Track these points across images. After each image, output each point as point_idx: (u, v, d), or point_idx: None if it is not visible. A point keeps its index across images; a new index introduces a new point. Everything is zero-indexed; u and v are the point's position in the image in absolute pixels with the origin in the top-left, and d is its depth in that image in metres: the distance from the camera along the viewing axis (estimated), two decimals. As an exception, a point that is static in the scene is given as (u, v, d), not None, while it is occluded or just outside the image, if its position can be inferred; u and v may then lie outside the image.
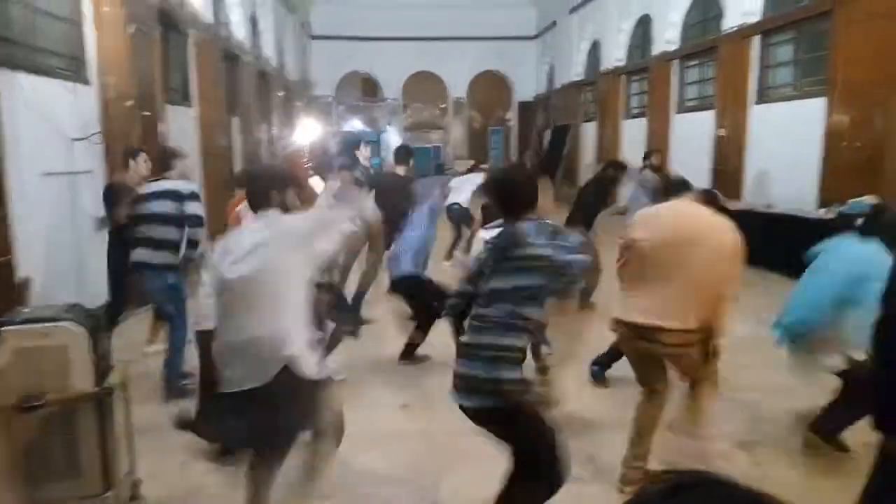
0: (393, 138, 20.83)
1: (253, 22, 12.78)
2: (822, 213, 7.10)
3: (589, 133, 15.94)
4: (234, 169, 10.56)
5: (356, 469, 3.27)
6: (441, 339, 4.99)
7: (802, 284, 3.34)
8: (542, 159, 18.15)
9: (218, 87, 9.44)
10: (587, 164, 15.55)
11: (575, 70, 16.71)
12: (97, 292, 5.41)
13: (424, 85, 20.93)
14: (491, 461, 3.28)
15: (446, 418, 3.73)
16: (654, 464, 3.15)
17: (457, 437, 3.55)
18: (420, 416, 3.86)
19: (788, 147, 8.16)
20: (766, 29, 8.99)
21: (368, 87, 21.23)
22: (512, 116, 21.80)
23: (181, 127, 8.13)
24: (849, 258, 3.11)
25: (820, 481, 3.12)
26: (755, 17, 9.17)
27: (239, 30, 11.50)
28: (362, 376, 4.46)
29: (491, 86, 21.34)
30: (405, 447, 3.50)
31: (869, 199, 6.50)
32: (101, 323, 2.71)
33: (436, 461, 3.34)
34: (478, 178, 8.22)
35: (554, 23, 18.19)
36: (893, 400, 1.14)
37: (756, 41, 9.18)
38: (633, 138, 13.22)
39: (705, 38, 10.69)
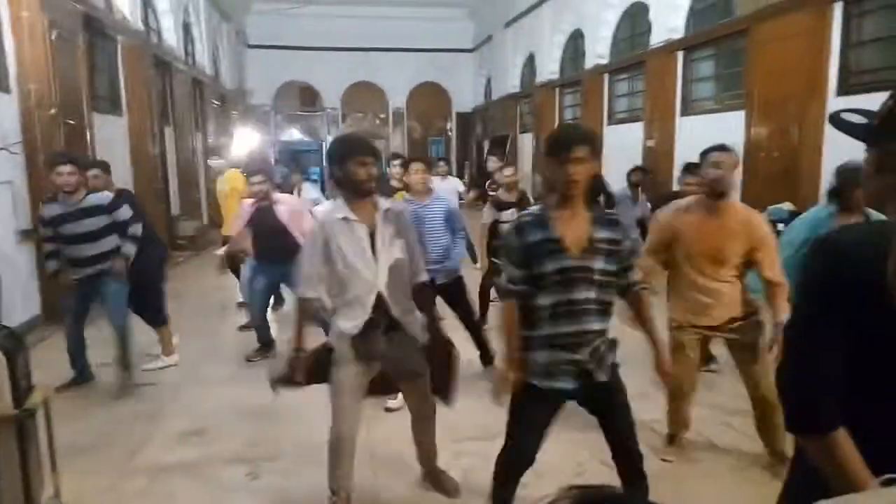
0: (333, 148, 20.68)
1: (186, 29, 12.47)
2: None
3: (526, 144, 16.27)
4: (166, 179, 10.26)
5: (296, 486, 3.22)
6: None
7: None
8: (482, 169, 18.40)
9: (149, 95, 9.16)
10: (525, 174, 15.85)
11: (511, 82, 17.04)
12: (16, 308, 5.15)
13: (364, 95, 20.89)
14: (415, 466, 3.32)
15: (386, 429, 3.76)
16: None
17: (398, 445, 3.56)
18: (362, 429, 3.83)
19: (713, 157, 8.56)
20: (689, 45, 9.43)
21: (307, 97, 21.01)
22: (451, 127, 22.01)
23: (110, 136, 7.84)
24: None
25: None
26: (679, 34, 9.62)
27: (171, 37, 11.20)
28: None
29: (430, 96, 21.50)
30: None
31: (787, 206, 6.92)
32: (20, 341, 2.59)
33: (377, 473, 3.33)
34: (456, 184, 8.24)
35: (490, 36, 18.52)
36: (800, 400, 1.20)
37: (680, 56, 9.62)
38: (568, 149, 13.55)
39: (634, 53, 11.12)
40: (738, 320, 3.14)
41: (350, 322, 2.67)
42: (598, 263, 2.24)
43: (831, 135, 6.62)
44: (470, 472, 3.28)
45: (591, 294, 2.24)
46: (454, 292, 4.47)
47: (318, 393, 4.15)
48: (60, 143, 6.14)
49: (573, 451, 3.50)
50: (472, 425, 3.75)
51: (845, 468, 1.10)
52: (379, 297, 2.66)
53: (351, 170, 2.59)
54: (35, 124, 5.89)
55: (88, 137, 6.88)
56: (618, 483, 3.09)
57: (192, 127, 12.01)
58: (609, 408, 2.43)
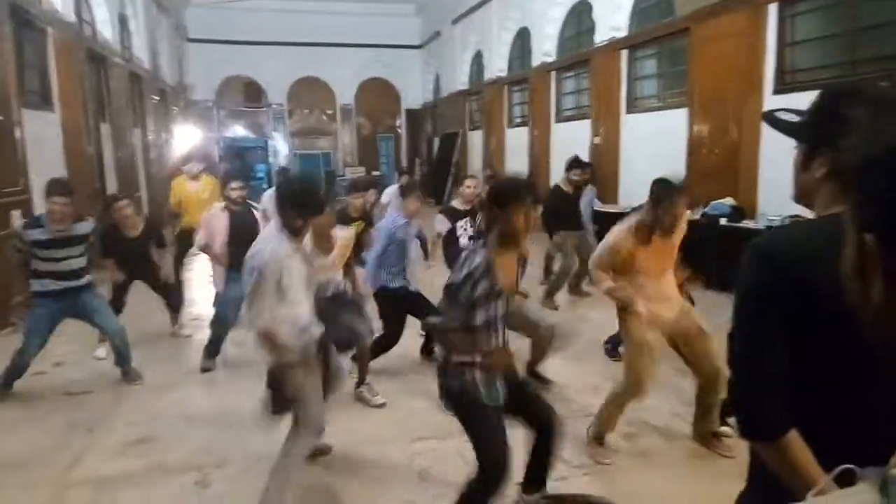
0: (280, 144, 20.31)
1: (122, 22, 11.99)
2: (690, 215, 7.71)
3: (476, 141, 16.35)
4: (103, 178, 9.86)
5: (247, 492, 3.14)
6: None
7: None
8: (433, 166, 18.40)
9: (83, 90, 8.75)
10: (475, 171, 15.93)
11: (460, 79, 17.09)
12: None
13: (311, 90, 20.55)
14: (383, 473, 3.29)
15: (338, 431, 3.70)
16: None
17: (351, 447, 3.52)
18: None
19: (657, 154, 8.80)
20: (633, 44, 9.65)
21: (251, 93, 20.53)
22: (401, 124, 21.91)
23: (41, 133, 7.46)
24: None
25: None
26: (622, 33, 9.83)
27: (106, 29, 10.75)
28: (246, 390, 4.30)
29: (379, 93, 21.33)
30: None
31: (728, 201, 7.17)
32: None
33: (330, 476, 3.28)
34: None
35: (438, 33, 18.51)
36: (750, 407, 1.22)
37: (624, 55, 9.83)
38: (516, 146, 13.71)
39: (579, 51, 11.30)
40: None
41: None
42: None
43: (768, 132, 6.89)
44: (427, 471, 3.27)
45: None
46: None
47: (254, 399, 4.07)
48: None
49: (526, 445, 3.52)
50: (424, 426, 3.74)
51: (798, 469, 1.12)
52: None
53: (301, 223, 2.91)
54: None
55: (17, 134, 6.53)
56: (575, 480, 3.15)
57: (130, 123, 11.56)
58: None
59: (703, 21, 7.71)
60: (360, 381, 4.21)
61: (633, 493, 3.08)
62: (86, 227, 4.36)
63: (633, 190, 9.59)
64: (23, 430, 3.80)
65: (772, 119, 1.28)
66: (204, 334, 5.69)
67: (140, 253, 5.15)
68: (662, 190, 3.23)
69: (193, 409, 4.15)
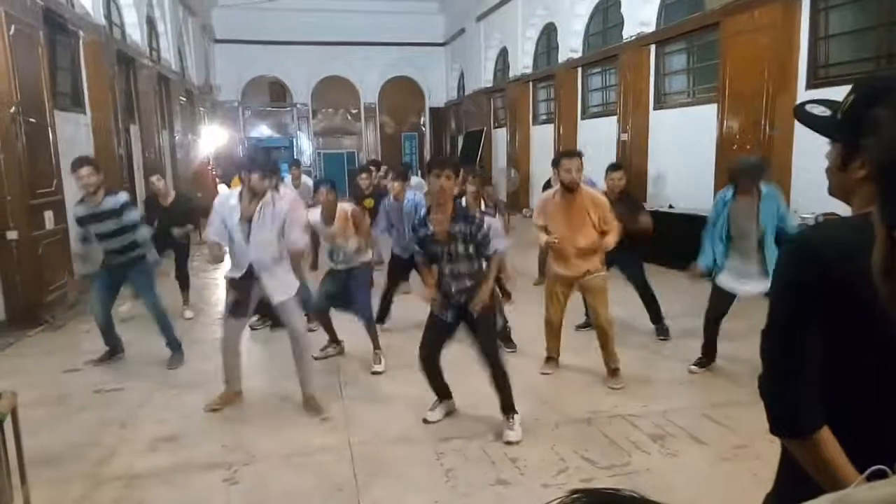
0: (304, 144, 20.47)
1: (150, 24, 12.17)
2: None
3: (500, 139, 16.28)
4: (132, 178, 10.03)
5: (275, 490, 3.16)
6: (359, 349, 4.95)
7: None
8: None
9: (113, 91, 8.90)
10: (499, 169, 15.88)
11: (484, 77, 17.02)
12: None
13: (335, 90, 20.66)
14: (410, 472, 3.28)
15: (366, 430, 3.71)
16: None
17: (378, 446, 3.52)
18: (341, 429, 3.79)
19: (685, 150, 8.66)
20: (661, 39, 9.51)
21: (276, 92, 20.70)
22: (425, 122, 21.91)
23: (73, 134, 7.61)
24: None
25: (724, 466, 3.31)
26: (651, 28, 9.69)
27: (135, 32, 10.92)
28: (280, 391, 4.33)
29: (403, 91, 21.36)
30: (326, 462, 3.41)
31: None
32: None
33: (357, 474, 3.28)
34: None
35: (462, 30, 18.46)
36: (782, 404, 1.20)
37: (653, 50, 9.69)
38: (542, 143, 13.62)
39: (606, 47, 11.17)
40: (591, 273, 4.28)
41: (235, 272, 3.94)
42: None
43: (802, 128, 6.73)
44: (453, 471, 3.25)
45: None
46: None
47: (288, 399, 4.10)
48: (22, 143, 5.93)
49: (553, 446, 3.49)
50: (451, 426, 3.73)
51: (830, 467, 1.10)
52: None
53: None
54: (-6, 123, 5.68)
55: (51, 136, 6.66)
56: (601, 482, 3.10)
57: (158, 124, 11.73)
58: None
59: (734, 15, 7.56)
60: (376, 346, 4.85)
61: (662, 495, 3.02)
62: (120, 198, 4.72)
63: (659, 186, 9.46)
64: (56, 426, 3.87)
65: (802, 114, 1.25)
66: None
67: (174, 217, 6.29)
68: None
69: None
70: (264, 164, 3.84)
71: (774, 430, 1.19)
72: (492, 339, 3.67)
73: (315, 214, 4.74)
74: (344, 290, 4.82)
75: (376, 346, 4.85)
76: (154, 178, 6.60)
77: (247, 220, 3.78)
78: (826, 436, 1.12)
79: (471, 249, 3.55)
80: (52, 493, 3.05)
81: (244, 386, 4.27)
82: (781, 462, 1.31)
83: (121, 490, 3.15)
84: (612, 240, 4.19)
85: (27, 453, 2.70)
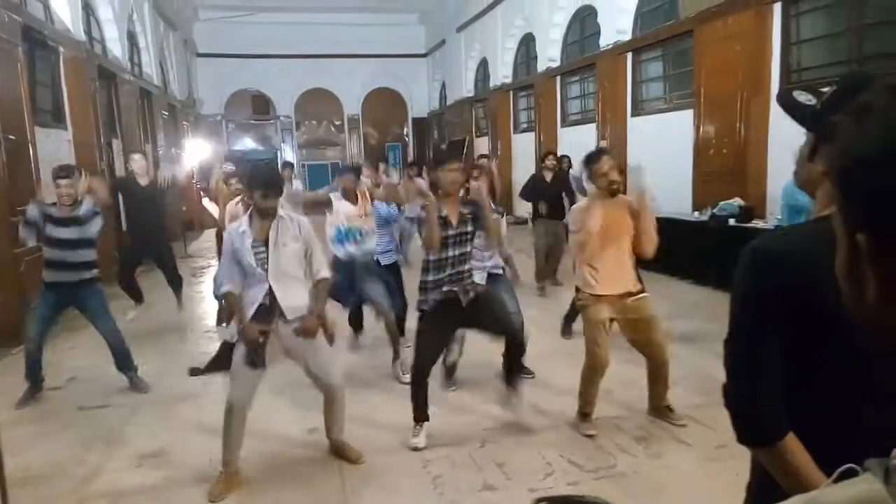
0: (289, 155, 20.45)
1: (131, 39, 12.14)
2: (698, 216, 7.69)
3: (482, 147, 16.36)
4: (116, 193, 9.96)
5: (263, 502, 3.16)
6: (354, 360, 4.95)
7: None
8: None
9: (94, 107, 8.87)
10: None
11: (465, 87, 17.14)
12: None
13: (318, 102, 20.70)
14: (397, 480, 3.30)
15: (353, 440, 3.71)
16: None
17: (366, 456, 3.53)
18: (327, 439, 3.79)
19: (664, 156, 8.77)
20: (637, 47, 9.65)
21: (259, 105, 20.69)
22: (408, 132, 21.99)
23: (54, 150, 7.56)
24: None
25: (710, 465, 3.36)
26: (627, 36, 9.84)
27: (115, 47, 10.89)
28: (267, 401, 4.33)
29: (386, 102, 21.44)
30: (314, 473, 3.42)
31: (737, 202, 7.14)
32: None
33: (345, 484, 3.29)
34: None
35: (443, 41, 18.59)
36: (747, 413, 1.22)
37: (629, 58, 9.83)
38: (523, 152, 13.72)
39: (584, 56, 11.31)
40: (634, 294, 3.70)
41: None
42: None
43: (776, 132, 6.87)
44: (440, 478, 3.27)
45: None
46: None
47: (274, 409, 4.10)
48: (2, 160, 5.90)
49: (539, 450, 3.53)
50: (438, 433, 3.75)
51: (798, 473, 1.11)
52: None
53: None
54: (-28, 140, 5.65)
55: (31, 152, 6.63)
56: (586, 485, 3.14)
57: (140, 139, 11.69)
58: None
59: (708, 22, 7.71)
60: (395, 356, 4.73)
61: (648, 497, 3.07)
62: (87, 205, 4.50)
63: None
64: (41, 445, 3.83)
65: (787, 100, 1.24)
66: (217, 346, 5.74)
67: (149, 199, 6.08)
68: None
69: (209, 420, 4.16)
70: (268, 181, 3.26)
71: (740, 438, 1.20)
72: (502, 305, 3.80)
73: (339, 198, 4.84)
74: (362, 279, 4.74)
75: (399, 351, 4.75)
76: (137, 156, 6.33)
77: (262, 242, 3.24)
78: (792, 442, 1.12)
79: (477, 231, 3.62)
80: (36, 512, 3.03)
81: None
82: (752, 470, 1.32)
83: (107, 507, 3.14)
84: (650, 249, 3.66)
85: (9, 473, 2.69)
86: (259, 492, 3.21)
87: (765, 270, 1.14)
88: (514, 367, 3.80)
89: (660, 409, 3.85)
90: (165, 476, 3.44)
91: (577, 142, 11.25)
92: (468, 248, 3.63)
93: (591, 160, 3.82)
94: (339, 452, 3.54)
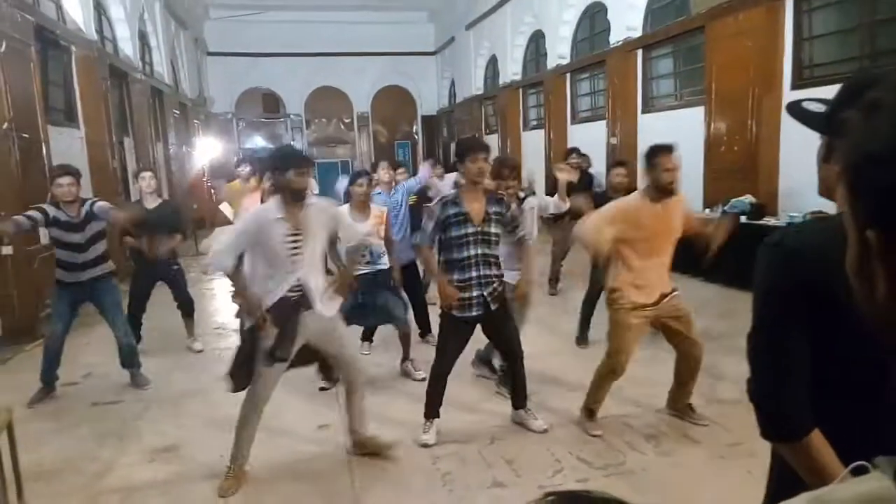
0: (297, 155, 20.51)
1: (142, 38, 12.22)
2: (708, 213, 7.64)
3: (492, 145, 16.35)
4: (128, 192, 10.04)
5: (273, 498, 3.18)
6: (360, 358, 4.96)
7: None
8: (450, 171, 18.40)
9: (106, 106, 8.94)
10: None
11: (475, 84, 17.11)
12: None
13: (328, 100, 20.73)
14: (407, 477, 3.31)
15: (372, 434, 3.72)
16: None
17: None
18: (338, 435, 3.81)
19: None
20: (648, 43, 9.60)
21: (270, 104, 20.76)
22: (417, 130, 22.00)
23: (67, 149, 7.63)
24: None
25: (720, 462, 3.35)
26: (637, 33, 9.79)
27: (127, 46, 10.97)
28: (276, 397, 4.35)
29: (395, 100, 21.45)
30: (324, 470, 3.44)
31: (748, 199, 7.08)
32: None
33: (354, 481, 3.31)
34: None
35: (452, 38, 18.56)
36: (772, 409, 1.21)
37: (639, 54, 9.78)
38: (533, 149, 13.69)
39: (594, 52, 11.26)
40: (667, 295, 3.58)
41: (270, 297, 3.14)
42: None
43: (788, 128, 6.82)
44: (450, 475, 3.28)
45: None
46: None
47: (285, 405, 4.12)
48: (16, 159, 5.96)
49: (548, 447, 3.53)
50: (446, 430, 3.76)
51: (822, 468, 1.11)
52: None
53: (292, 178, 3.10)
54: (-14, 139, 5.71)
55: (44, 151, 6.69)
56: (596, 482, 3.14)
57: (152, 137, 11.77)
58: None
59: (719, 18, 7.65)
60: (405, 357, 4.72)
61: (657, 494, 3.06)
62: (90, 204, 4.46)
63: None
64: (54, 440, 3.88)
65: (797, 110, 1.24)
66: (228, 342, 5.78)
67: (158, 222, 5.29)
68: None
69: (220, 415, 4.19)
70: (300, 157, 3.18)
71: (765, 433, 1.20)
72: (516, 329, 3.69)
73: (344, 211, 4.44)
74: (373, 294, 4.53)
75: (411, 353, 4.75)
76: (147, 174, 5.47)
77: (296, 230, 3.11)
78: (817, 439, 1.12)
79: (502, 233, 3.51)
80: (51, 507, 3.06)
81: (244, 395, 4.27)
82: (772, 466, 1.31)
83: (119, 503, 3.17)
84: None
85: (24, 468, 2.73)
86: (268, 488, 3.23)
87: (785, 265, 1.14)
88: (518, 388, 3.76)
89: (684, 407, 3.79)
90: (177, 471, 3.47)
91: (586, 139, 11.22)
92: (493, 251, 3.47)
93: (656, 153, 3.56)
94: (368, 447, 3.48)
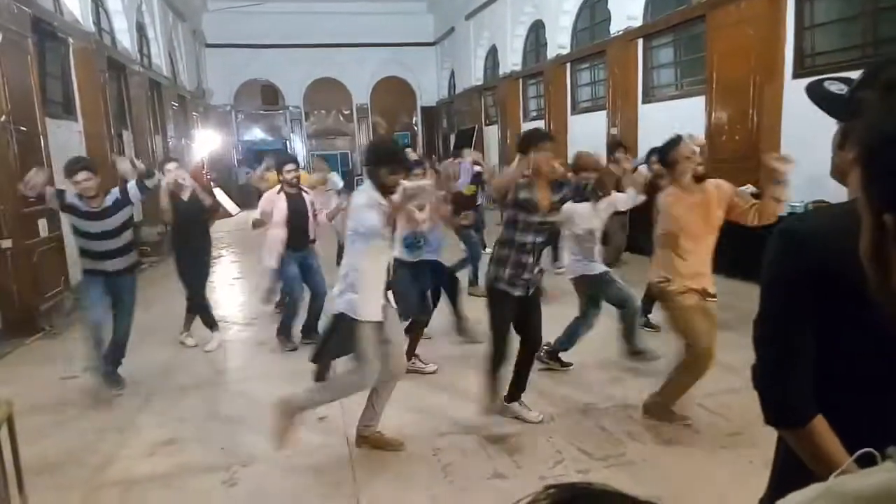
0: (298, 146, 20.46)
1: (140, 30, 12.16)
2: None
3: (492, 136, 16.30)
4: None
5: (275, 490, 3.18)
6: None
7: None
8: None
9: (104, 98, 8.91)
10: (492, 166, 15.87)
11: (475, 75, 17.03)
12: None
13: (327, 91, 20.66)
14: (408, 468, 3.31)
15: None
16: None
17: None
18: (339, 427, 3.81)
19: (675, 143, 8.68)
20: (648, 33, 9.54)
21: (268, 95, 20.69)
22: (417, 121, 21.93)
23: (65, 142, 7.61)
24: None
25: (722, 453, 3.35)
26: (638, 22, 9.72)
27: (125, 38, 10.91)
28: (277, 388, 4.35)
29: (395, 91, 21.36)
30: (324, 461, 3.44)
31: (750, 188, 7.05)
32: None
33: (356, 472, 3.31)
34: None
35: (452, 29, 18.47)
36: (777, 395, 1.20)
37: (640, 44, 9.72)
38: (534, 139, 13.62)
39: (594, 42, 11.20)
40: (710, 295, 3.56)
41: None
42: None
43: (789, 117, 6.78)
44: (451, 466, 3.28)
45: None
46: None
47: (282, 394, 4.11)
48: (14, 151, 5.94)
49: (549, 438, 3.53)
50: (448, 421, 3.75)
51: (826, 455, 1.10)
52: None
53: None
54: (-16, 132, 5.69)
55: (42, 144, 6.67)
56: (597, 473, 3.14)
57: (150, 129, 11.73)
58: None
59: (720, 7, 7.59)
60: (411, 354, 4.53)
61: (658, 485, 3.06)
62: (115, 193, 4.46)
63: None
64: (54, 434, 3.88)
65: (817, 91, 1.21)
66: (229, 335, 5.78)
67: (193, 211, 5.33)
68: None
69: (220, 408, 4.21)
70: (396, 156, 3.27)
71: (769, 420, 1.19)
72: (541, 319, 3.70)
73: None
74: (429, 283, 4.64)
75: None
76: (171, 165, 5.40)
77: (388, 226, 3.21)
78: (820, 425, 1.12)
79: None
80: (50, 501, 3.06)
81: (245, 388, 4.27)
82: (777, 455, 1.31)
83: (120, 495, 3.17)
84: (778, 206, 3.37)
85: (25, 461, 2.72)
86: (271, 480, 3.24)
87: (793, 252, 1.13)
88: (521, 378, 3.77)
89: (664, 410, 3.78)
90: (178, 464, 3.47)
91: (587, 130, 11.19)
92: (545, 239, 3.61)
93: (671, 146, 3.60)
94: (380, 444, 3.47)
